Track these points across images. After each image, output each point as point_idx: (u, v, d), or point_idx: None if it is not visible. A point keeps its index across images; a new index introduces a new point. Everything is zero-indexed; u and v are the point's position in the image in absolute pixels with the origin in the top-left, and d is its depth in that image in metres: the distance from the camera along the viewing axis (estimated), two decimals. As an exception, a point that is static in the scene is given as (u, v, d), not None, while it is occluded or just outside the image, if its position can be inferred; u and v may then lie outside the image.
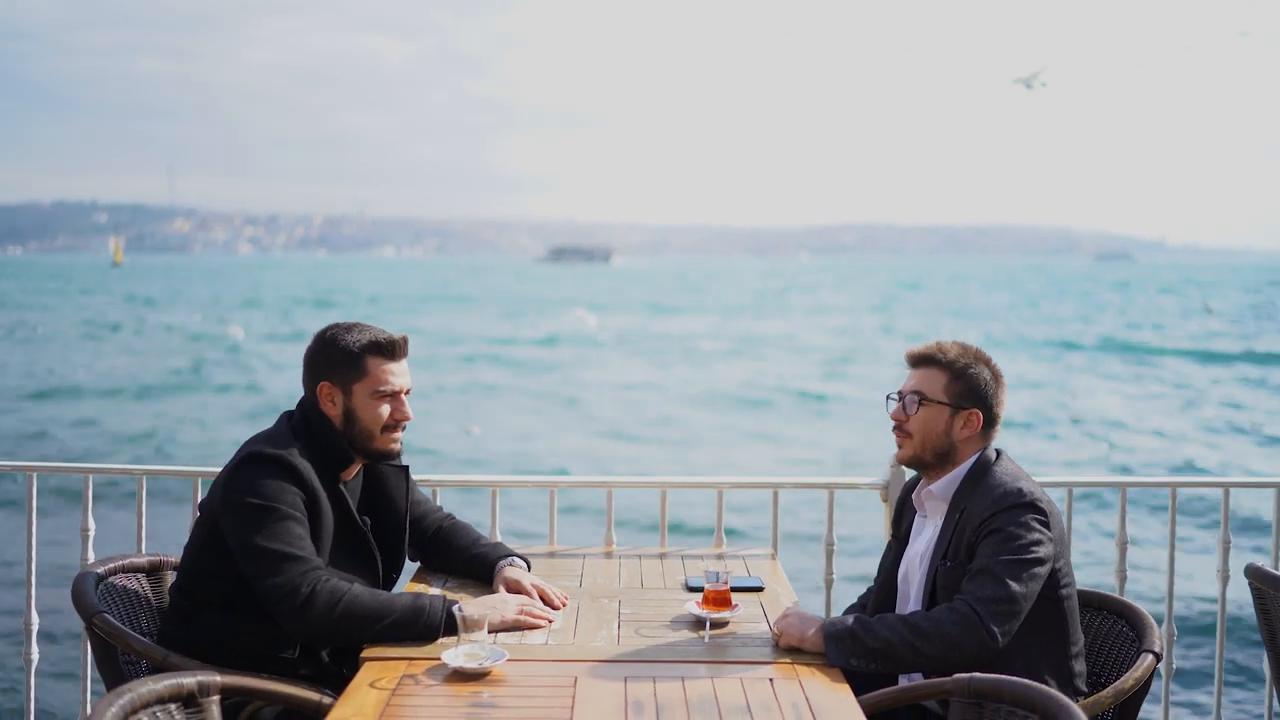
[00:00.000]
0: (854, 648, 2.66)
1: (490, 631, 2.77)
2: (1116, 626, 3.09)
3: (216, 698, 2.38)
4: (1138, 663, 2.83)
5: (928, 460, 3.00)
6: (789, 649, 2.70)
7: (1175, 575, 3.95)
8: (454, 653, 2.55)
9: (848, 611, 3.23)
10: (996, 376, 3.02)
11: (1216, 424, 23.25)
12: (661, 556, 3.65)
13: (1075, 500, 3.92)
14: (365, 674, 2.53)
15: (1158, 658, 2.85)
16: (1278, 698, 3.73)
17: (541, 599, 3.03)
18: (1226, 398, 27.35)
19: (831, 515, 3.89)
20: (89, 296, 72.77)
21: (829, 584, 3.89)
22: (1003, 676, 2.39)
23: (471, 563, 3.20)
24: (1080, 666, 2.93)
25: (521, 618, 2.83)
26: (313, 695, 2.47)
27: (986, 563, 2.77)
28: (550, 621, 2.88)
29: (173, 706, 2.31)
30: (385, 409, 2.95)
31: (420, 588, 3.15)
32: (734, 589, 3.20)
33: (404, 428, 3.02)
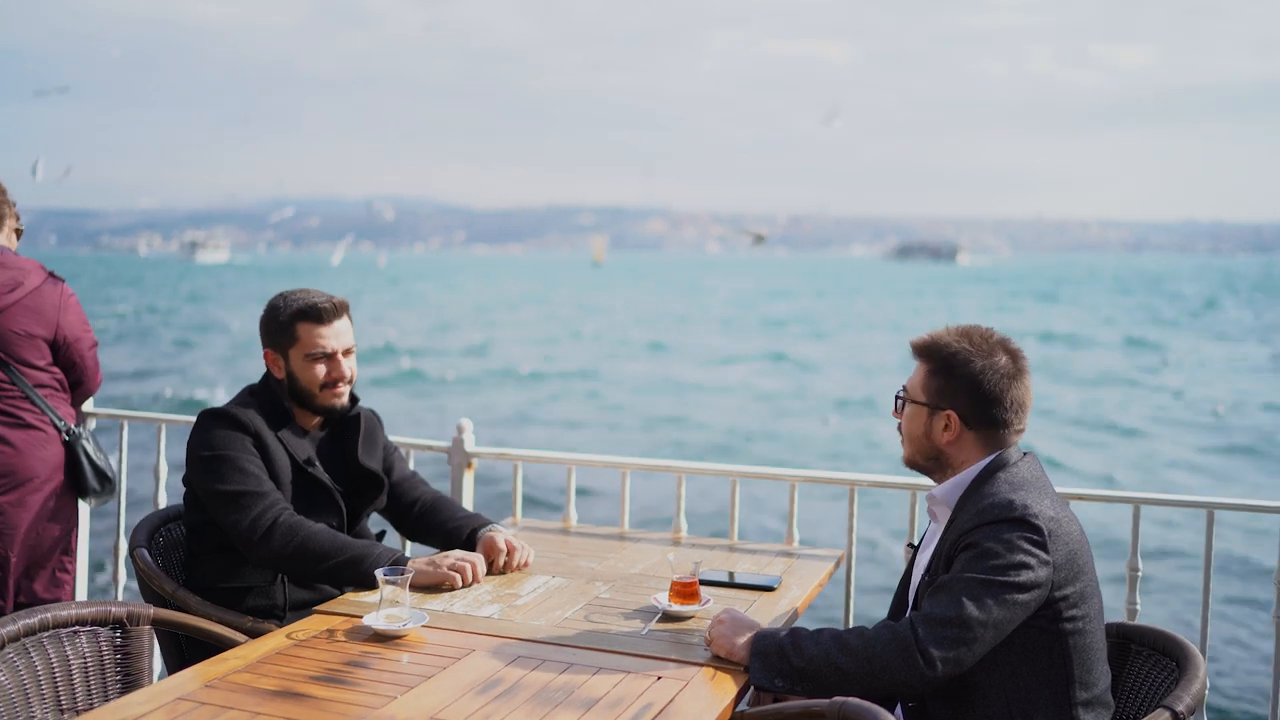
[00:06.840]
0: (780, 665, 2.39)
1: (414, 587, 2.82)
2: (1162, 664, 2.58)
3: (148, 628, 2.62)
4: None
5: (921, 465, 2.65)
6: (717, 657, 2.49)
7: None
8: (374, 615, 2.61)
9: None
10: (1014, 371, 2.52)
11: None
12: (730, 549, 3.48)
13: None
14: (297, 625, 2.65)
15: (1177, 718, 2.32)
16: None
17: (510, 554, 3.11)
18: None
19: (914, 517, 3.49)
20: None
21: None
22: (873, 706, 2.08)
23: (448, 537, 3.27)
24: (1093, 717, 2.44)
25: (450, 572, 2.90)
26: (238, 637, 2.63)
27: (950, 579, 2.39)
28: (471, 580, 2.92)
29: (101, 630, 2.57)
30: (320, 369, 3.10)
31: None
32: (742, 585, 3.01)
33: (346, 384, 3.15)
